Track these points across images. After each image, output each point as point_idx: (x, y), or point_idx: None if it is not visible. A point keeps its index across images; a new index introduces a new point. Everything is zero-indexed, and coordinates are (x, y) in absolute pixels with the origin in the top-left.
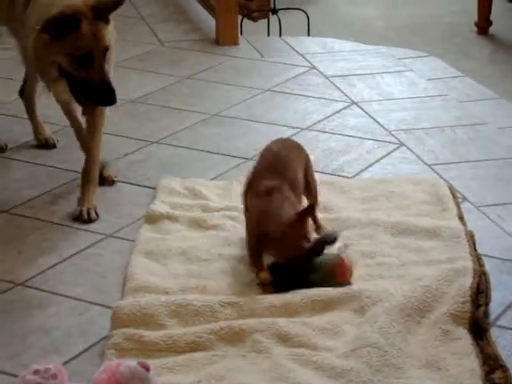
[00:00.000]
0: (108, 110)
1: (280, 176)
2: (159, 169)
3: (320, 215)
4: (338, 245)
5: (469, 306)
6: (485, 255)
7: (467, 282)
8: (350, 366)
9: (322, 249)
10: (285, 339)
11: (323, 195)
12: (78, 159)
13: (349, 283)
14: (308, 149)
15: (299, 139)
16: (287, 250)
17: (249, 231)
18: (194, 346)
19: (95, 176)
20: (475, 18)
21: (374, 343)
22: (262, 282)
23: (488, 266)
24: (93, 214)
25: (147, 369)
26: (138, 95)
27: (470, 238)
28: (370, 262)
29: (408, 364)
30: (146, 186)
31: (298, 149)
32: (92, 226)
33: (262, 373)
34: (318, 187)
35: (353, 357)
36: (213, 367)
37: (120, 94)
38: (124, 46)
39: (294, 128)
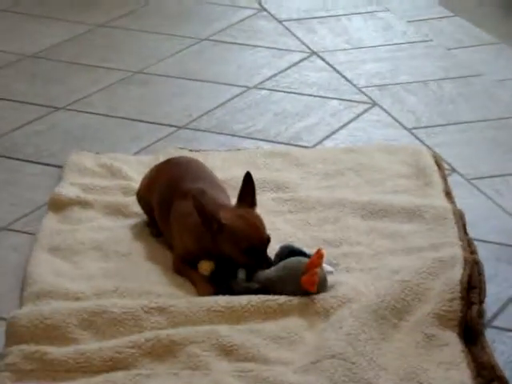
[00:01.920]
0: None
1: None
2: (67, 142)
3: (272, 195)
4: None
5: (458, 305)
6: (478, 240)
7: (456, 274)
8: (309, 383)
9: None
10: (228, 352)
11: (275, 170)
12: None
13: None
14: (257, 112)
15: (246, 100)
16: (246, 238)
17: (180, 236)
18: (113, 364)
19: None
20: None
21: (340, 353)
22: (202, 272)
23: (482, 253)
24: None
25: None
26: (38, 49)
27: (460, 218)
28: (335, 253)
29: (382, 378)
30: (50, 165)
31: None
32: None
33: None
34: (269, 159)
35: (313, 371)
36: None
37: (13, 48)
38: None
39: (238, 86)
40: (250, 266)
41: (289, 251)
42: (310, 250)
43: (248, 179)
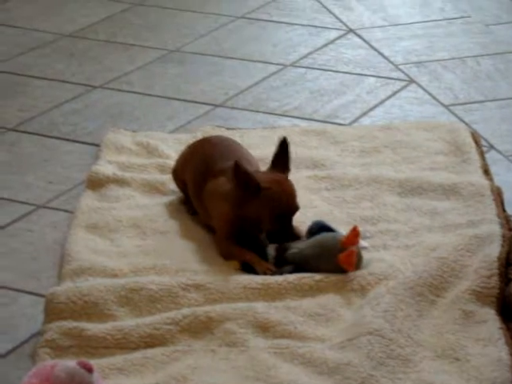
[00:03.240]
0: None
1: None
2: (104, 120)
3: (309, 173)
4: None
5: (496, 281)
6: None
7: (494, 251)
8: (346, 360)
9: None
10: (264, 328)
11: (312, 148)
12: None
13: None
14: (293, 90)
15: (282, 78)
16: (282, 204)
17: (219, 212)
18: (150, 341)
19: None
20: None
21: (377, 330)
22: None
23: None
24: None
25: (89, 370)
26: (76, 28)
27: (498, 195)
28: (373, 230)
29: (419, 355)
30: (88, 143)
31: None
32: (18, 195)
33: (235, 371)
34: (305, 137)
35: (350, 348)
36: (174, 366)
37: (51, 27)
38: None
39: (274, 64)
40: (275, 233)
41: (319, 227)
42: (344, 228)
43: (283, 144)
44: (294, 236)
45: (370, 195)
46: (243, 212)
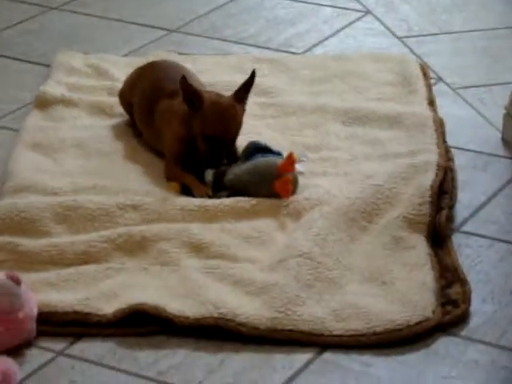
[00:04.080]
0: None
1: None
2: (58, 42)
3: (256, 100)
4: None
5: (427, 209)
6: (457, 148)
7: (428, 179)
8: (274, 280)
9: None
10: (198, 249)
11: (261, 75)
12: None
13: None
14: (249, 18)
15: (239, 5)
16: (211, 124)
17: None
18: (85, 258)
19: None
20: None
21: (306, 253)
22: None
23: (460, 160)
24: None
25: (17, 282)
26: None
27: (440, 126)
28: (314, 157)
29: (347, 278)
30: (40, 63)
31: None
32: None
33: (165, 289)
34: (256, 65)
35: (279, 269)
36: (105, 282)
37: None
38: None
39: None
40: (208, 156)
41: (255, 147)
42: (280, 149)
43: (250, 76)
44: (220, 162)
45: (314, 123)
46: (189, 129)
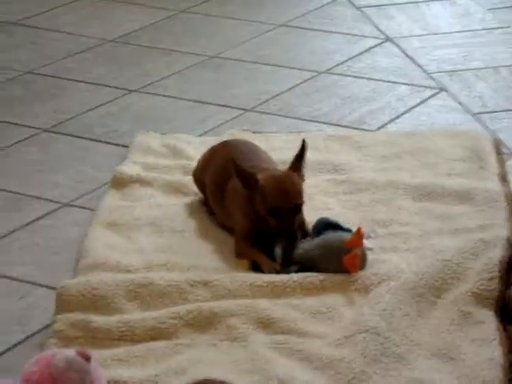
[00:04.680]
0: None
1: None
2: (136, 123)
3: (328, 176)
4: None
5: (496, 284)
6: None
7: (497, 254)
8: (340, 356)
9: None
10: (266, 324)
11: (334, 153)
12: None
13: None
14: (324, 96)
15: (315, 84)
16: (272, 197)
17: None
18: (155, 334)
19: None
20: None
21: (373, 328)
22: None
23: None
24: None
25: (87, 358)
26: (120, 33)
27: (511, 201)
28: (384, 232)
29: (414, 353)
30: (118, 144)
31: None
32: (46, 193)
33: (233, 364)
34: (329, 142)
35: (346, 344)
36: (175, 358)
37: (95, 32)
38: None
39: (308, 71)
40: (278, 230)
41: (325, 224)
42: (350, 226)
43: (301, 145)
44: (293, 234)
45: (386, 199)
46: (254, 209)
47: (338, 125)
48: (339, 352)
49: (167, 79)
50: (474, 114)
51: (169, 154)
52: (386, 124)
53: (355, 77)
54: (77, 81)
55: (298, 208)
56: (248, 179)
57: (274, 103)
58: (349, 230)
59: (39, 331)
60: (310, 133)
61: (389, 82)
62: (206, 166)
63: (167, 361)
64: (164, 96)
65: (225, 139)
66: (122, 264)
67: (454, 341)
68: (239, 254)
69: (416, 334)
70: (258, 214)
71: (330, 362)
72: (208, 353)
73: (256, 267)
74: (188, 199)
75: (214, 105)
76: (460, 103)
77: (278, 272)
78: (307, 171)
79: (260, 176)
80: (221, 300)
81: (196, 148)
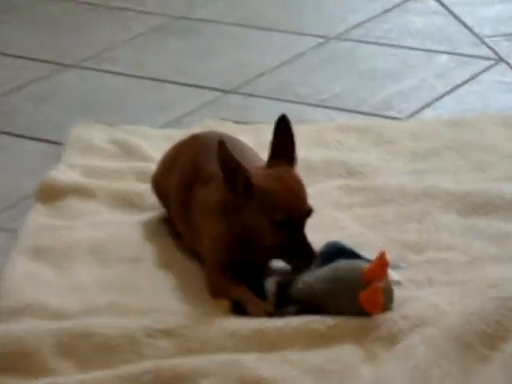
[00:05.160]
0: None
1: None
2: (73, 111)
3: (340, 182)
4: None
5: None
6: None
7: None
8: None
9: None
10: None
11: (348, 150)
12: None
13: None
14: (335, 72)
15: (322, 55)
16: (283, 206)
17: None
18: None
19: None
20: None
21: None
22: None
23: None
24: None
25: None
26: None
27: None
28: (417, 260)
29: None
30: (48, 141)
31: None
32: None
33: None
34: (342, 135)
35: None
36: None
37: None
38: None
39: (314, 36)
40: (285, 252)
41: (337, 250)
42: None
43: (282, 124)
44: (312, 249)
45: (419, 213)
46: (240, 225)
47: (355, 111)
48: None
49: (116, 49)
50: None
51: (118, 153)
52: (421, 109)
53: (377, 44)
54: None
55: (309, 215)
56: (236, 175)
57: (265, 81)
58: (369, 261)
59: None
60: (316, 123)
61: (425, 50)
62: (169, 169)
63: None
64: (112, 73)
65: (196, 132)
66: (53, 307)
67: None
68: (214, 292)
69: None
70: (245, 233)
71: None
72: None
73: (239, 309)
74: (145, 216)
75: (181, 84)
76: None
77: (270, 315)
78: (311, 175)
79: (254, 176)
80: (189, 355)
81: (156, 145)
